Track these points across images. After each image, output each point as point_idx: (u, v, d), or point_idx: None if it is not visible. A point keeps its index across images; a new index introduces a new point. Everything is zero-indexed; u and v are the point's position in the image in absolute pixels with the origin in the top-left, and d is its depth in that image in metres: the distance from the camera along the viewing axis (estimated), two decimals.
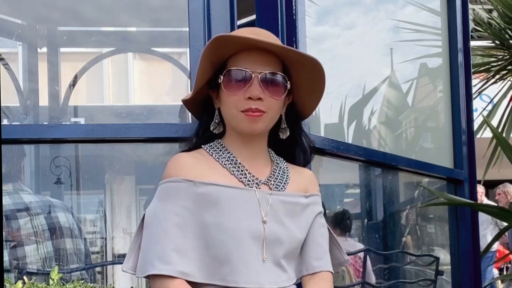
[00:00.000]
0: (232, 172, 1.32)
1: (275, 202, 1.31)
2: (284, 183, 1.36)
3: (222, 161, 1.33)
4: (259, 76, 1.29)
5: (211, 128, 1.37)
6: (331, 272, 1.38)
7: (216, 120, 1.36)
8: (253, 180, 1.32)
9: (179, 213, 1.26)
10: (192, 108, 1.45)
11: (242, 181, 1.32)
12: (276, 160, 1.41)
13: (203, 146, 1.37)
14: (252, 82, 1.29)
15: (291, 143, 1.43)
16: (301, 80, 1.37)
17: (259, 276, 1.27)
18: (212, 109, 1.38)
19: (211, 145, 1.36)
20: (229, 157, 1.34)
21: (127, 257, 1.30)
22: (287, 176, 1.38)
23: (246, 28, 1.41)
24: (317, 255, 1.37)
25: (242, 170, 1.33)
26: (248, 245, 1.27)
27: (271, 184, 1.34)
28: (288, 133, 1.40)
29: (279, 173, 1.37)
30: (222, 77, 1.32)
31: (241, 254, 1.26)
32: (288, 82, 1.34)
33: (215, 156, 1.34)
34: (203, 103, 1.41)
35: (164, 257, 1.22)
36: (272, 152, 1.42)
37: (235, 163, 1.33)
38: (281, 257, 1.31)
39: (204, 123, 1.40)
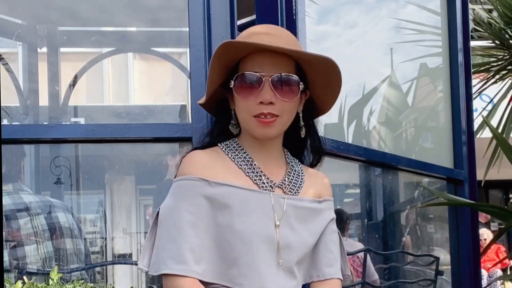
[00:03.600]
0: (247, 174, 1.31)
1: (288, 207, 1.30)
2: (299, 187, 1.34)
3: (237, 162, 1.32)
4: (270, 79, 1.27)
5: (231, 128, 1.35)
6: (341, 279, 1.38)
7: (233, 121, 1.34)
8: (267, 183, 1.31)
9: (193, 212, 1.25)
10: (210, 108, 1.42)
11: (257, 183, 1.30)
12: (291, 162, 1.39)
13: (219, 144, 1.35)
14: (263, 86, 1.26)
15: (302, 139, 1.40)
16: (315, 77, 1.34)
17: (266, 281, 1.26)
18: (229, 109, 1.36)
19: (227, 144, 1.35)
20: (245, 157, 1.32)
21: (142, 254, 1.29)
22: (302, 179, 1.36)
23: (260, 26, 1.39)
24: (329, 262, 1.36)
25: (257, 172, 1.31)
26: (258, 249, 1.26)
27: (285, 187, 1.33)
28: (304, 131, 1.37)
29: (293, 177, 1.35)
30: (233, 82, 1.29)
31: (249, 257, 1.25)
32: (301, 83, 1.30)
33: (231, 155, 1.32)
34: (220, 102, 1.38)
35: (178, 256, 1.22)
36: (288, 153, 1.40)
37: (251, 164, 1.31)
38: (294, 264, 1.30)
39: (220, 123, 1.38)
